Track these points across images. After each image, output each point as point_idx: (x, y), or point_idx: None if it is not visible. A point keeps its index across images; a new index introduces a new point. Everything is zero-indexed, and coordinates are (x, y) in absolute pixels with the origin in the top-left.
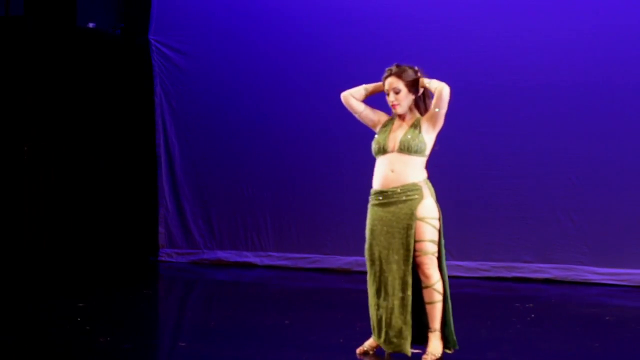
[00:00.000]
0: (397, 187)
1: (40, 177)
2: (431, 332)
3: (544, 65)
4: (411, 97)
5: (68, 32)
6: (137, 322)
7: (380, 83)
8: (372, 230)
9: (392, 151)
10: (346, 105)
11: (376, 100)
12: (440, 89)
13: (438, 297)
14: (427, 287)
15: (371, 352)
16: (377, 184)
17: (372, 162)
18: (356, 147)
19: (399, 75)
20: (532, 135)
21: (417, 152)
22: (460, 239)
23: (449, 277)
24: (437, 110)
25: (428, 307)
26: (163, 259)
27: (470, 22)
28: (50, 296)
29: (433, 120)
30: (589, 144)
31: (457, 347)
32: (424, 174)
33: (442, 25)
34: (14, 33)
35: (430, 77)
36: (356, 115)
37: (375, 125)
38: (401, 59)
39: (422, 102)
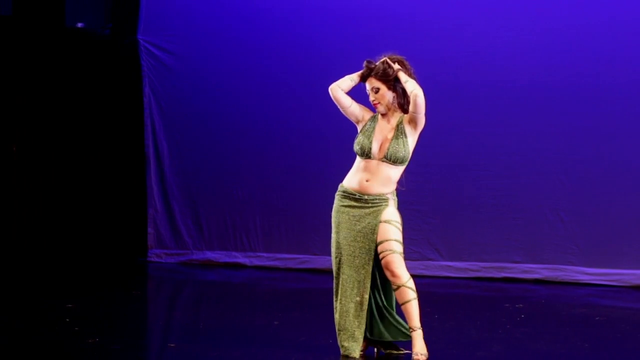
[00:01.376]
0: (367, 195)
1: (29, 177)
2: (413, 331)
3: (533, 65)
4: (391, 93)
5: (56, 32)
6: (126, 322)
7: (360, 72)
8: (337, 232)
9: (376, 158)
10: (333, 99)
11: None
12: (414, 96)
13: (412, 295)
14: (398, 287)
15: (360, 353)
16: (350, 183)
17: None
18: (345, 147)
19: (375, 74)
20: (521, 135)
21: (402, 162)
22: (449, 239)
23: (438, 277)
24: (414, 114)
25: (403, 307)
26: (152, 259)
27: (459, 22)
28: (39, 297)
29: (414, 123)
30: (578, 144)
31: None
32: (394, 186)
33: (432, 25)
34: (2, 33)
35: (418, 74)
36: (342, 110)
37: (358, 121)
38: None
39: (402, 98)
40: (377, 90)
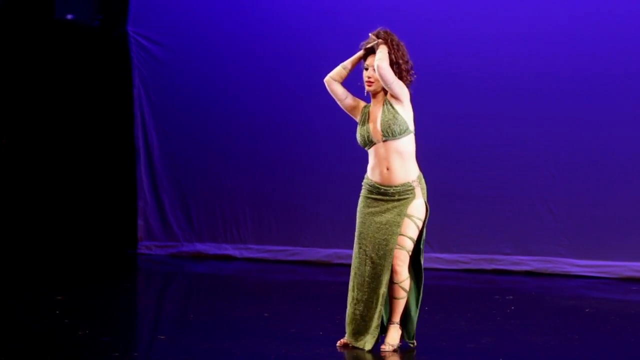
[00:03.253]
0: (391, 187)
1: (19, 170)
2: (391, 323)
3: (523, 58)
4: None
5: (46, 24)
6: (116, 315)
7: (358, 54)
8: (362, 223)
9: (379, 141)
10: (329, 90)
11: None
12: (377, 68)
13: (403, 294)
14: (394, 283)
15: (351, 345)
16: (373, 177)
17: (352, 154)
18: (336, 139)
19: (372, 52)
20: (511, 127)
21: (401, 133)
22: (440, 231)
23: (428, 269)
24: (386, 87)
25: (393, 300)
26: (142, 251)
27: (448, 15)
28: (28, 289)
29: (394, 96)
30: (568, 136)
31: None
32: (416, 168)
33: (421, 17)
34: None
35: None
36: (338, 102)
37: (354, 112)
38: None
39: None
40: (368, 68)
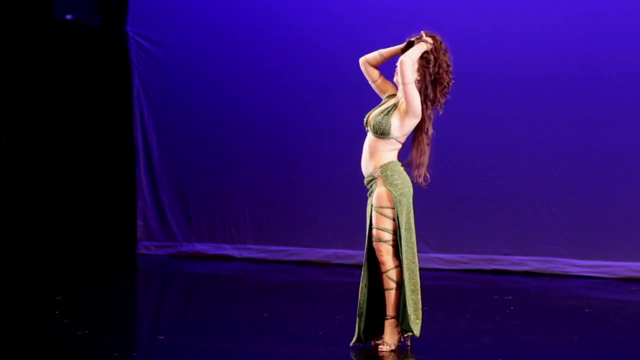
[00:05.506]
0: (366, 177)
1: (18, 170)
2: (387, 319)
3: (523, 58)
4: (415, 74)
5: (45, 24)
6: (116, 315)
7: (397, 47)
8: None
9: (369, 130)
10: (363, 71)
11: None
12: (399, 62)
13: (391, 285)
14: (382, 272)
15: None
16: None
17: (351, 155)
18: (335, 140)
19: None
20: (510, 127)
21: (382, 134)
22: (439, 231)
23: (428, 269)
24: (398, 83)
25: (384, 292)
26: (141, 252)
27: (449, 14)
28: (28, 289)
29: (406, 102)
30: (568, 136)
31: (418, 335)
32: (385, 159)
33: (421, 17)
34: None
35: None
36: (370, 82)
37: (382, 94)
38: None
39: (425, 84)
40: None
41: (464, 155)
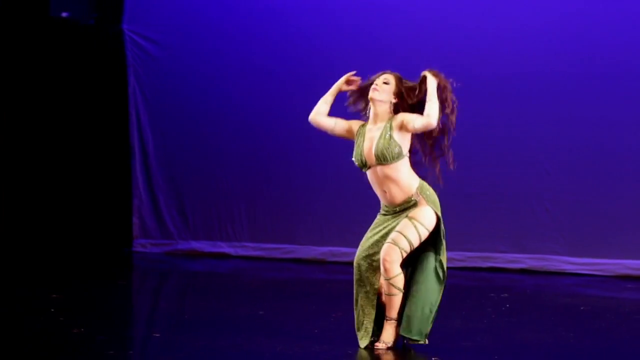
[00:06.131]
0: (395, 206)
1: (14, 168)
2: (387, 320)
3: (519, 56)
4: (392, 98)
5: (41, 22)
6: (111, 313)
7: (337, 83)
8: (370, 229)
9: (373, 164)
10: (317, 127)
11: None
12: (426, 122)
13: (395, 291)
14: (386, 279)
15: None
16: (380, 198)
17: (346, 153)
18: (331, 138)
19: (399, 78)
20: (507, 125)
21: (393, 159)
22: None
23: None
24: (411, 129)
25: (386, 297)
26: (137, 249)
27: (445, 14)
28: (24, 287)
29: (404, 130)
30: (563, 134)
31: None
32: (414, 181)
33: (416, 16)
34: None
35: (405, 66)
36: (330, 133)
37: (349, 135)
38: (375, 49)
39: (404, 104)
40: (386, 83)
41: (459, 153)
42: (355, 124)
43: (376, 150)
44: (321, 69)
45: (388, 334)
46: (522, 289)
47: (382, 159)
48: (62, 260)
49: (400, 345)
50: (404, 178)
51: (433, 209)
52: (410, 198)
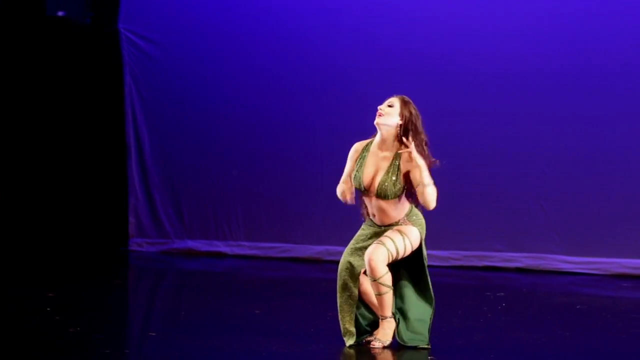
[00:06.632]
0: (384, 226)
1: (9, 166)
2: (382, 319)
3: (515, 55)
4: (397, 122)
5: (37, 21)
6: (108, 312)
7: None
8: (357, 235)
9: (372, 194)
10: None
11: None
12: (426, 199)
13: (384, 290)
14: (373, 280)
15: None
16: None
17: (343, 152)
18: (327, 137)
19: (404, 102)
20: (503, 124)
21: (394, 197)
22: (431, 228)
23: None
24: (416, 187)
25: (377, 297)
26: (133, 248)
27: (442, 13)
28: (19, 286)
29: (409, 178)
30: (559, 133)
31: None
32: (406, 209)
33: (416, 15)
34: None
35: (403, 65)
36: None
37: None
38: (374, 49)
39: (406, 133)
40: (390, 105)
41: (456, 152)
42: (359, 147)
43: (379, 187)
44: (319, 69)
45: (384, 333)
46: (518, 288)
47: (383, 197)
48: (58, 259)
49: (397, 344)
50: (396, 210)
51: (419, 230)
52: (398, 222)
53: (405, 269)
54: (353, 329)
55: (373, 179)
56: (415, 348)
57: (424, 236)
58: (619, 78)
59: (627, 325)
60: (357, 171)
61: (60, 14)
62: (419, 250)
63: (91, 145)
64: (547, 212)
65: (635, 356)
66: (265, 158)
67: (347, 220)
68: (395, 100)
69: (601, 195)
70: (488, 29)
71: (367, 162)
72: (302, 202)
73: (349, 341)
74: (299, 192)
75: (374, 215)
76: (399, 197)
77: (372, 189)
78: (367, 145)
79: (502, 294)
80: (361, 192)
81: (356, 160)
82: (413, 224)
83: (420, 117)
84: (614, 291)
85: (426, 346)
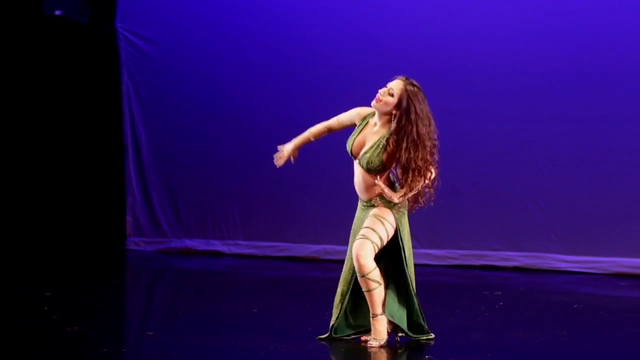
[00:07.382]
0: (363, 201)
1: (6, 166)
2: (374, 317)
3: (514, 55)
4: (392, 108)
5: (34, 20)
6: (105, 311)
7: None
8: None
9: (357, 159)
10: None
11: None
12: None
13: (374, 285)
14: (362, 276)
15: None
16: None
17: (340, 151)
18: (326, 137)
19: (411, 94)
20: (500, 123)
21: (370, 171)
22: (428, 227)
23: (416, 265)
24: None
25: (365, 293)
26: (130, 247)
27: (440, 12)
28: (17, 285)
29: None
30: (557, 132)
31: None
32: (375, 192)
33: (413, 14)
34: None
35: (401, 64)
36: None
37: (355, 124)
38: (374, 49)
39: (397, 122)
40: (391, 94)
41: (453, 151)
42: (362, 112)
43: (362, 156)
44: (315, 68)
45: (378, 331)
46: (516, 287)
47: (363, 166)
48: (56, 258)
49: (394, 342)
50: (369, 185)
51: (393, 213)
52: (371, 201)
53: (386, 266)
54: (340, 309)
55: (359, 148)
56: (413, 347)
57: (401, 221)
58: (617, 78)
59: (624, 324)
60: (352, 135)
61: (57, 13)
62: (397, 244)
63: (88, 144)
64: (545, 211)
65: (633, 355)
66: (263, 157)
67: (344, 219)
68: (397, 89)
69: (599, 194)
70: (486, 29)
71: (362, 132)
72: (300, 202)
73: (333, 318)
74: (296, 191)
75: (356, 185)
76: (378, 174)
77: (356, 154)
78: (367, 116)
79: (500, 293)
80: (350, 156)
81: (359, 122)
82: (387, 207)
83: (425, 112)
84: (611, 290)
85: (429, 337)
